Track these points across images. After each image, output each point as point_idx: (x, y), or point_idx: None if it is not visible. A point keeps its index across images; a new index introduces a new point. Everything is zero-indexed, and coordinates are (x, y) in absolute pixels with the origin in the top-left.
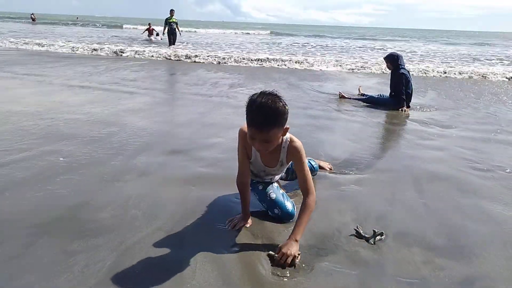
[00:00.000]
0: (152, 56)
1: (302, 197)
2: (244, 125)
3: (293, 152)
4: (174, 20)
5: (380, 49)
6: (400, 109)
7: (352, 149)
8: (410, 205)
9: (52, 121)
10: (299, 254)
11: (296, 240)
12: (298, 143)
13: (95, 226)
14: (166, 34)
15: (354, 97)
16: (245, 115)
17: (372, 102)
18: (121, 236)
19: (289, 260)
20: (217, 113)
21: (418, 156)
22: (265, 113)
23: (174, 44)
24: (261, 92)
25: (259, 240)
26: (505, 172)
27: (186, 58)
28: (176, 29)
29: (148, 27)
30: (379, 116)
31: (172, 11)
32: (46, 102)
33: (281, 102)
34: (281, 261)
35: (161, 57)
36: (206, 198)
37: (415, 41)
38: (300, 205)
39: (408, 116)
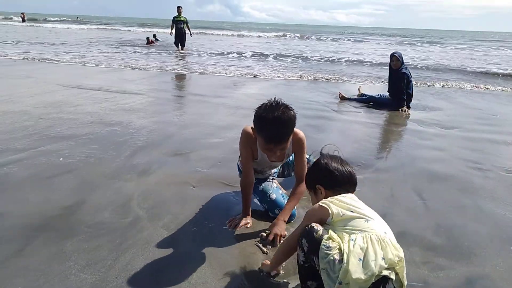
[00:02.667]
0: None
1: (296, 182)
2: (247, 127)
3: (298, 142)
4: (182, 18)
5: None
6: (400, 109)
7: (351, 149)
8: (410, 205)
9: (52, 121)
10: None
11: (284, 221)
12: (301, 134)
13: (96, 226)
14: (173, 35)
15: (354, 98)
16: (257, 128)
17: (372, 102)
18: (121, 235)
19: (279, 239)
20: (217, 113)
21: (418, 156)
22: (282, 128)
23: (183, 48)
24: (267, 104)
25: (259, 241)
26: (505, 172)
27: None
28: (186, 30)
29: (148, 41)
30: (379, 117)
31: (179, 8)
32: (45, 102)
33: (290, 110)
34: (275, 241)
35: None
36: (206, 198)
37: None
38: (292, 193)
39: (409, 116)
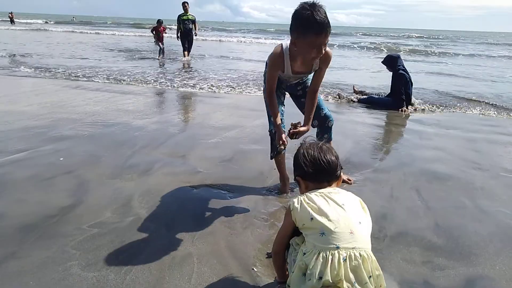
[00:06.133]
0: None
1: (311, 92)
2: (276, 49)
3: (327, 58)
4: (189, 16)
5: None
6: (400, 110)
7: (351, 150)
8: (410, 205)
9: (52, 121)
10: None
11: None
12: (331, 52)
13: (96, 226)
14: (179, 37)
15: (360, 98)
16: (301, 29)
17: (372, 102)
18: (122, 235)
19: (298, 135)
20: (217, 114)
21: (418, 156)
22: (324, 20)
23: (189, 53)
24: (308, 4)
25: (258, 242)
26: (505, 173)
27: None
28: (193, 30)
29: (158, 25)
30: (379, 117)
31: (185, 4)
32: (45, 102)
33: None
34: (295, 134)
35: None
36: (206, 198)
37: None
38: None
39: (408, 116)
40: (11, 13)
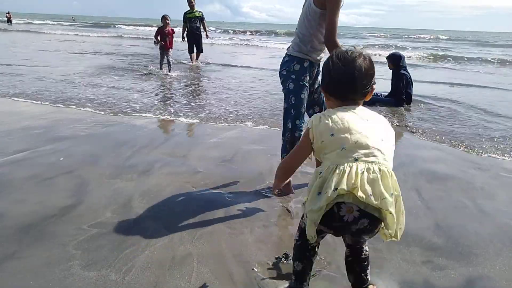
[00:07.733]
0: None
1: None
2: None
3: None
4: (196, 14)
5: None
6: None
7: None
8: (409, 204)
9: (52, 121)
10: None
11: None
12: None
13: (97, 226)
14: (186, 38)
15: None
16: None
17: (372, 101)
18: (122, 235)
19: None
20: (217, 113)
21: (418, 156)
22: None
23: (198, 57)
24: None
25: (258, 242)
26: (505, 173)
27: None
28: (202, 29)
29: (164, 24)
30: None
31: (191, 1)
32: (45, 102)
33: None
34: None
35: None
36: (206, 198)
37: None
38: None
39: (408, 116)
40: (8, 13)
